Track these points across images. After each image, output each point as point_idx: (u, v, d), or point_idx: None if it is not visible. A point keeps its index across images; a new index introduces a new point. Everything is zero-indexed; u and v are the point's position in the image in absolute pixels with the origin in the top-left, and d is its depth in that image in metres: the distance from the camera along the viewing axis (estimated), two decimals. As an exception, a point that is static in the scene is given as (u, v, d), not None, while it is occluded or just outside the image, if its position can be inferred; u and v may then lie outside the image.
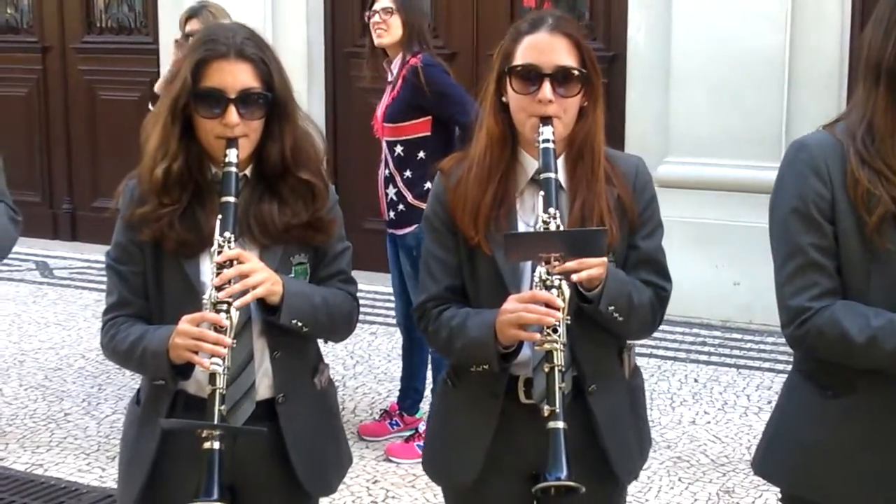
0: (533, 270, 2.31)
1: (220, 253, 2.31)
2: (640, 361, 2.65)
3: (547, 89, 2.33)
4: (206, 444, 2.25)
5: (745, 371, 5.75)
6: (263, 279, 2.32)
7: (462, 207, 2.41)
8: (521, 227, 2.40)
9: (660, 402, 5.31)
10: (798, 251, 2.17)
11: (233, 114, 2.34)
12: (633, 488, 4.15)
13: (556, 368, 2.22)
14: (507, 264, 2.37)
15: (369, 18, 4.76)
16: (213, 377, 2.26)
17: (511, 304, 2.27)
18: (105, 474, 4.52)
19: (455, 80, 4.71)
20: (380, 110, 4.80)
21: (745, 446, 4.76)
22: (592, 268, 2.24)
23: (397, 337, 5.50)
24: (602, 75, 2.49)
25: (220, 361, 2.25)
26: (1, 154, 3.74)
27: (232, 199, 2.35)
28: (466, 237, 2.42)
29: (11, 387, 5.57)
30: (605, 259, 2.27)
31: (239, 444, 2.39)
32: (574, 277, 2.23)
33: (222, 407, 2.26)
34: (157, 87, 4.91)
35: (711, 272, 6.38)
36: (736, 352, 6.02)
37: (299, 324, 2.40)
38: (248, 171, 2.45)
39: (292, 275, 2.45)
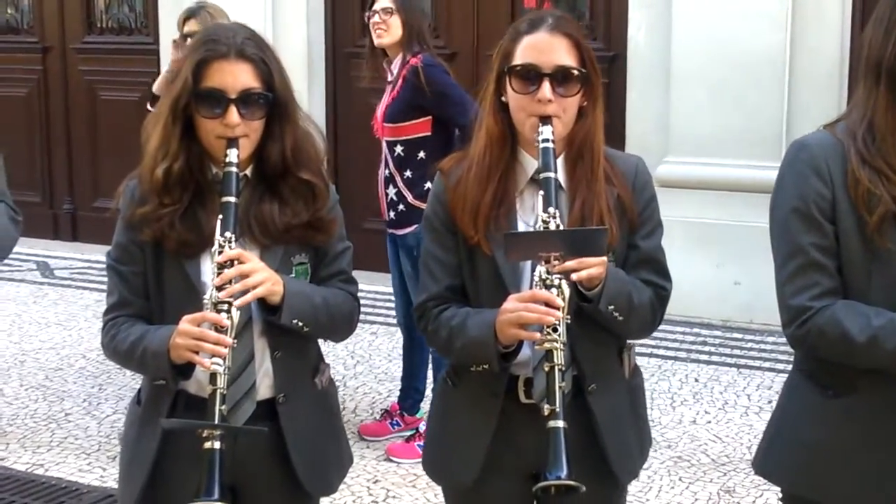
0: (533, 270, 2.31)
1: (220, 253, 2.31)
2: (640, 361, 2.65)
3: (546, 89, 2.33)
4: (207, 444, 2.25)
5: (745, 371, 5.75)
6: (264, 279, 2.32)
7: (462, 207, 2.41)
8: (521, 227, 2.40)
9: (660, 402, 5.31)
10: (799, 251, 2.18)
11: (233, 114, 2.34)
12: (633, 488, 4.16)
13: (556, 368, 2.22)
14: (507, 264, 2.37)
15: (369, 18, 4.76)
16: (213, 377, 2.26)
17: (511, 303, 2.27)
18: (106, 474, 4.52)
19: (455, 81, 4.71)
20: (380, 110, 4.81)
21: (745, 446, 4.76)
22: (592, 267, 2.24)
23: (398, 337, 5.51)
24: (602, 75, 2.49)
25: (220, 361, 2.25)
26: (1, 154, 3.75)
27: (233, 199, 2.35)
28: (466, 237, 2.42)
29: (12, 387, 5.57)
30: (604, 258, 2.27)
31: (240, 443, 2.39)
32: (574, 276, 2.23)
33: (223, 407, 2.26)
34: (155, 88, 4.90)
35: (712, 272, 6.38)
36: (737, 351, 6.02)
37: (300, 324, 2.40)
38: (248, 171, 2.45)
39: (293, 275, 2.45)
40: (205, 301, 2.30)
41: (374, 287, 6.53)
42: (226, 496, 2.24)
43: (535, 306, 2.22)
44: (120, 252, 2.46)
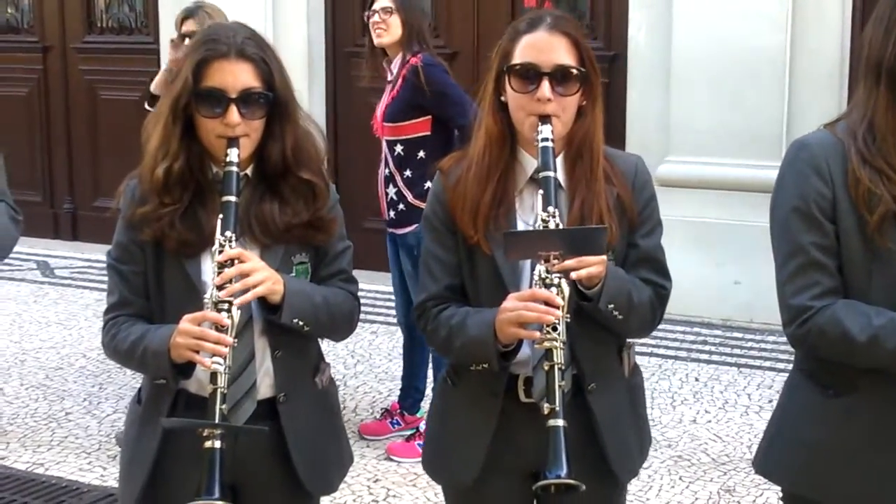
0: (532, 269, 2.31)
1: (221, 252, 2.31)
2: (640, 360, 2.65)
3: (546, 88, 2.33)
4: (208, 443, 2.25)
5: (745, 370, 5.75)
6: (264, 278, 2.32)
7: (461, 206, 2.41)
8: (521, 226, 2.40)
9: (661, 401, 5.31)
10: (799, 250, 2.18)
11: (234, 113, 2.34)
12: (633, 487, 4.16)
13: (556, 367, 2.22)
14: (507, 263, 2.37)
15: (369, 18, 4.76)
16: (214, 376, 2.26)
17: (511, 302, 2.27)
18: (106, 473, 4.52)
19: (455, 81, 4.71)
20: (379, 110, 4.81)
21: (745, 445, 4.76)
22: (592, 266, 2.24)
23: (398, 336, 5.51)
24: (603, 75, 2.49)
25: (221, 360, 2.25)
26: (2, 153, 3.75)
27: (233, 198, 2.36)
28: (466, 236, 2.42)
29: (12, 386, 5.57)
30: (604, 257, 2.26)
31: (240, 443, 2.39)
32: (573, 275, 2.24)
33: (223, 406, 2.26)
34: (152, 87, 4.91)
35: (712, 271, 6.38)
36: (737, 351, 6.02)
37: (300, 323, 2.40)
38: (249, 171, 2.45)
39: (293, 274, 2.45)
40: (205, 300, 2.31)
41: (375, 286, 6.54)
42: (226, 495, 2.24)
43: (535, 305, 2.22)
44: (120, 251, 2.46)
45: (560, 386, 2.22)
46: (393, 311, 5.59)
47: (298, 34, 7.50)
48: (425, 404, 4.86)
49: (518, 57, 2.38)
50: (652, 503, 4.28)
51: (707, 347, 6.09)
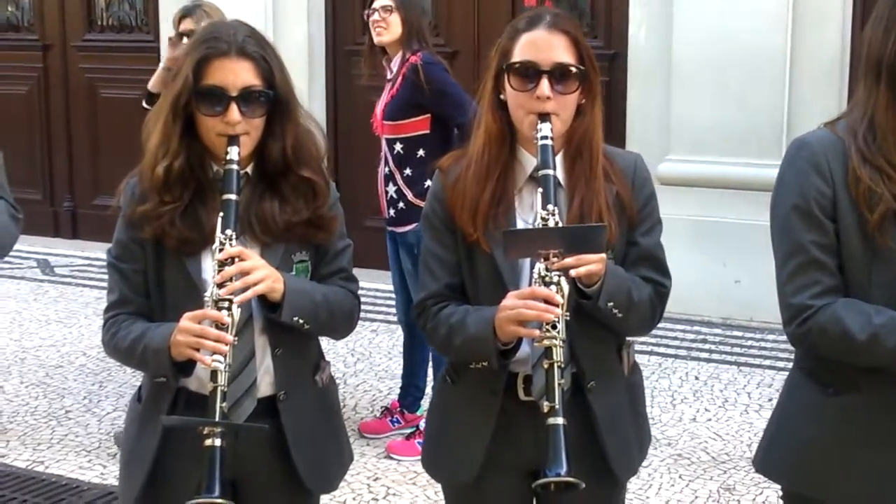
0: (532, 267, 2.31)
1: (221, 250, 2.31)
2: (640, 359, 2.65)
3: (545, 86, 2.33)
4: (208, 441, 2.25)
5: (745, 369, 5.75)
6: (264, 276, 2.32)
7: (461, 205, 2.41)
8: (520, 225, 2.40)
9: (661, 400, 5.31)
10: (799, 249, 2.17)
11: (234, 112, 2.34)
12: (633, 485, 4.17)
13: (556, 365, 2.22)
14: (506, 261, 2.37)
15: (369, 16, 4.76)
16: (214, 374, 2.26)
17: (510, 300, 2.27)
18: (106, 471, 4.52)
19: (454, 80, 4.71)
20: (379, 108, 4.81)
21: (745, 444, 4.76)
22: (591, 264, 2.24)
23: (398, 334, 5.51)
24: (603, 73, 2.50)
25: (221, 358, 2.25)
26: (2, 152, 3.75)
27: (233, 196, 2.36)
28: (465, 235, 2.42)
29: (12, 384, 5.58)
30: (603, 255, 2.26)
31: (240, 441, 2.39)
32: (573, 273, 2.24)
33: (224, 404, 2.26)
34: (150, 85, 4.92)
35: (712, 270, 6.38)
36: (737, 349, 6.02)
37: (300, 321, 2.40)
38: (249, 169, 2.45)
39: (293, 272, 2.45)
40: (205, 298, 2.31)
41: (375, 285, 6.54)
42: (226, 493, 2.24)
43: (535, 303, 2.22)
44: (120, 250, 2.46)
45: (559, 384, 2.22)
46: (393, 310, 5.59)
47: (298, 32, 7.50)
48: (425, 403, 4.86)
49: (517, 55, 2.38)
50: (652, 501, 4.28)
51: (707, 346, 6.09)
